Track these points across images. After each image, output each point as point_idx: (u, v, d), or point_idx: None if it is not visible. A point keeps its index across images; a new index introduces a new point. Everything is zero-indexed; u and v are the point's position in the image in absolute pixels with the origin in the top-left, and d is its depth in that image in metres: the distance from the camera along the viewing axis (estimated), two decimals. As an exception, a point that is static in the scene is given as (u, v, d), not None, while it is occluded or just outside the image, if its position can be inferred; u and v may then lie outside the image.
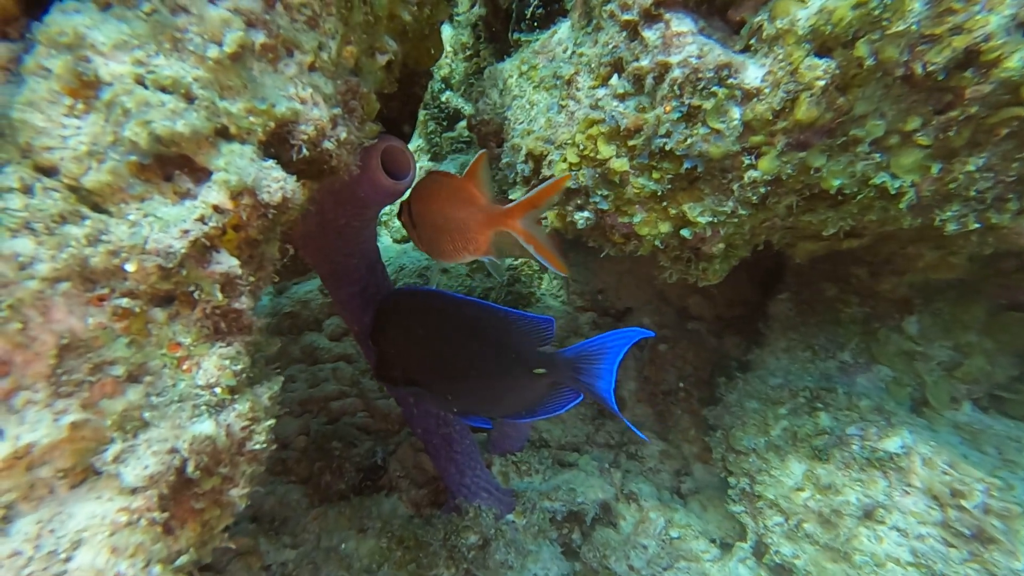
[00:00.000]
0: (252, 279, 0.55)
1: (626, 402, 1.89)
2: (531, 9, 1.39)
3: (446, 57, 2.69)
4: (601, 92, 1.02)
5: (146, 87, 0.46)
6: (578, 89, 1.08)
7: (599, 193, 1.04)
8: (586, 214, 1.07)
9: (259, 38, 0.53)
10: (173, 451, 0.44)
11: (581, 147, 1.03)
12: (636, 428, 1.07)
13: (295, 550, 1.33)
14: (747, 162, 0.92)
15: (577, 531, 1.51)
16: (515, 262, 2.13)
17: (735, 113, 0.88)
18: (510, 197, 1.19)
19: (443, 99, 2.66)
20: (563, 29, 1.21)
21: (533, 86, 1.25)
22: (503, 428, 1.57)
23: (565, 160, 1.06)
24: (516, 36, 1.31)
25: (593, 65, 1.04)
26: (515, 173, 1.19)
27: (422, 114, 2.92)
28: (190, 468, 0.45)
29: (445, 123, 2.79)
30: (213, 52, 0.48)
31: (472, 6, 1.82)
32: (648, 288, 2.06)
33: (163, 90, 0.46)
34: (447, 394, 0.98)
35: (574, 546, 1.49)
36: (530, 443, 1.74)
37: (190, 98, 0.47)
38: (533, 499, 1.47)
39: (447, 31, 2.97)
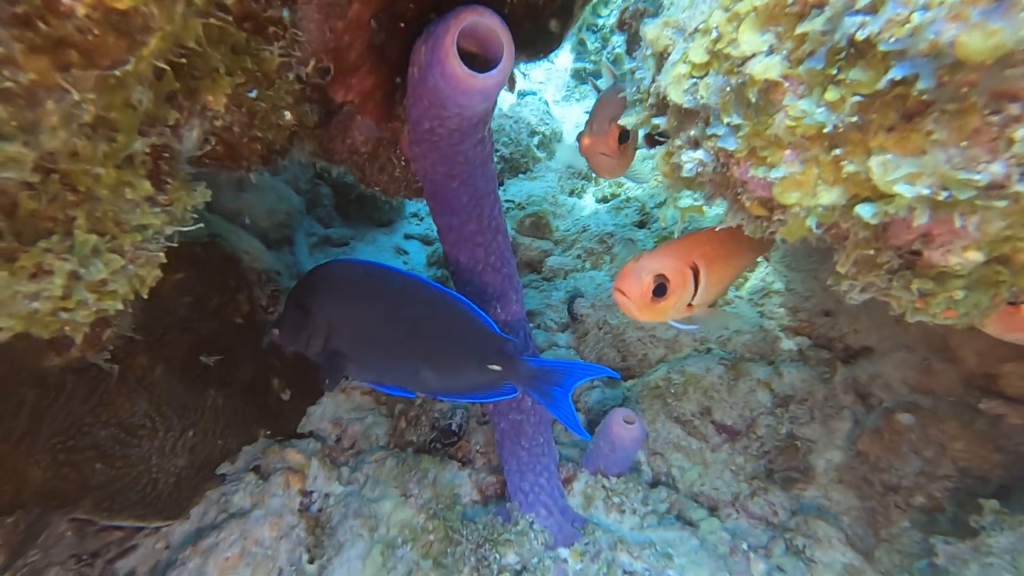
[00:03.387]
0: None
1: (815, 473, 1.29)
2: None
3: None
4: (779, -68, 0.55)
5: None
6: (748, -65, 0.61)
7: (726, 121, 0.58)
8: (699, 154, 0.62)
9: None
10: None
11: (714, 35, 0.58)
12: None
13: (343, 487, 1.26)
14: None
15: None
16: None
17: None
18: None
19: None
20: None
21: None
22: (599, 442, 1.20)
23: (686, 59, 0.62)
24: None
25: None
26: (636, 85, 0.77)
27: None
28: None
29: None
30: None
31: None
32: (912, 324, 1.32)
33: None
34: (379, 369, 0.92)
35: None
36: (642, 472, 1.32)
37: None
38: (602, 544, 1.09)
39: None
